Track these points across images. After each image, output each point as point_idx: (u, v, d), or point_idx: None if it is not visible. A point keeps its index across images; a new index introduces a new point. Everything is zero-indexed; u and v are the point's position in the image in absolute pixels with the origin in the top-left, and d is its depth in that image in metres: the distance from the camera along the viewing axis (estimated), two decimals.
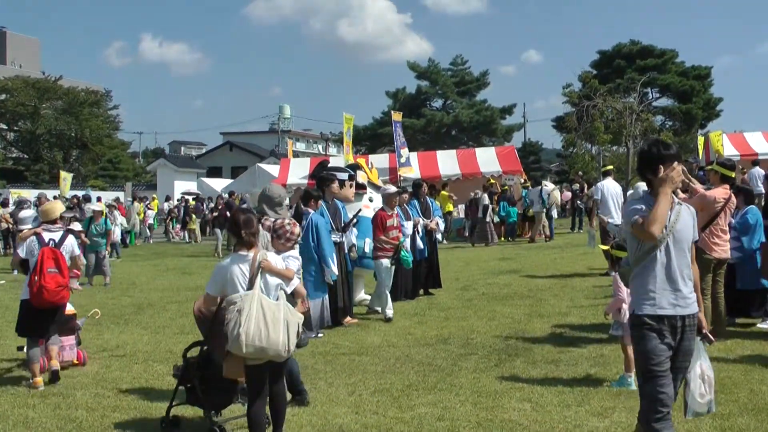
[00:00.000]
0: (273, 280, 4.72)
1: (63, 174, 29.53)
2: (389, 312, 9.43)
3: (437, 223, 11.77)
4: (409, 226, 11.07)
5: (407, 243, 10.95)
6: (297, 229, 5.62)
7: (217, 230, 21.46)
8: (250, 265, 4.64)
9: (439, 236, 12.02)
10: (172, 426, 5.38)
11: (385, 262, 9.52)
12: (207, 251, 22.96)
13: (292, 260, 4.98)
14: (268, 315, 4.49)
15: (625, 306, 6.09)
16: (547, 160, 66.79)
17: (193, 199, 31.68)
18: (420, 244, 11.34)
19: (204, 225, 28.41)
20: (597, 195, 12.51)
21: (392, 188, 10.05)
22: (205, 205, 29.79)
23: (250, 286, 4.60)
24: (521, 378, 6.43)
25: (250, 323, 4.46)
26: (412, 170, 24.06)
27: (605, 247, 7.33)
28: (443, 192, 22.90)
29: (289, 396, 5.33)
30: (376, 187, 10.95)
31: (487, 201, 20.76)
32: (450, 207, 22.76)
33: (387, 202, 9.83)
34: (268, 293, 4.68)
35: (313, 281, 8.58)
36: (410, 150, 28.55)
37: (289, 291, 4.87)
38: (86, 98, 53.38)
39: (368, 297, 10.76)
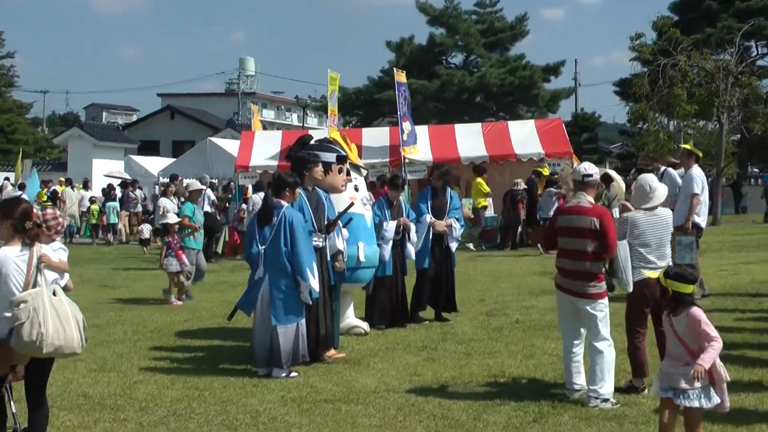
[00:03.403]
0: (50, 275, 5.77)
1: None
2: (609, 396, 7.46)
3: (451, 226, 11.83)
4: (390, 228, 11.07)
5: (385, 251, 10.93)
6: (65, 222, 6.46)
7: None
8: (28, 260, 5.63)
9: (453, 244, 11.98)
10: None
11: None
12: (136, 255, 22.99)
13: (62, 252, 5.97)
14: (60, 312, 5.64)
15: (719, 364, 5.77)
16: (606, 138, 66.83)
17: (119, 184, 31.73)
18: (411, 251, 11.41)
19: (133, 220, 28.45)
20: (695, 188, 12.57)
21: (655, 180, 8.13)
22: (136, 194, 29.78)
23: (32, 282, 5.60)
24: None
25: (48, 321, 5.53)
26: (417, 150, 24.06)
27: (654, 275, 6.76)
28: (479, 179, 22.86)
29: None
30: (357, 169, 10.95)
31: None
32: (483, 201, 22.80)
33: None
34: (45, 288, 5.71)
35: (284, 300, 8.60)
36: (419, 122, 28.58)
37: (62, 285, 5.91)
38: None
39: (360, 323, 10.79)
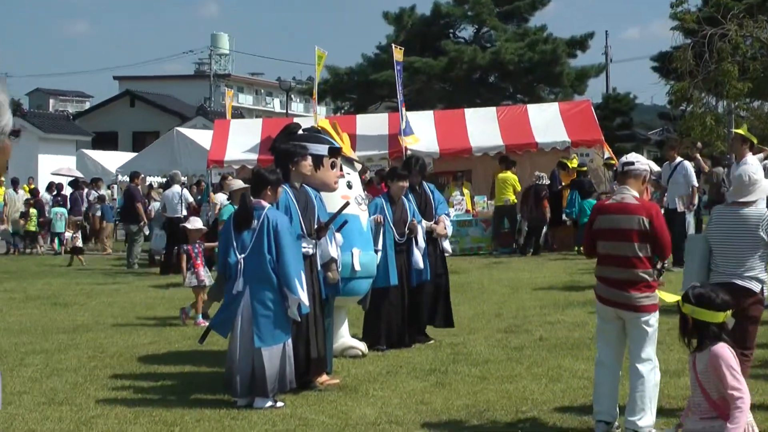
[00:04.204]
0: None
1: None
2: (649, 429, 7.42)
3: (445, 226, 11.93)
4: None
5: (376, 258, 10.91)
6: None
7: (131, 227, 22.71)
8: None
9: (447, 245, 12.08)
10: None
11: None
12: (89, 266, 23.02)
13: None
14: None
15: (749, 421, 5.39)
16: (643, 123, 66.88)
17: (69, 183, 31.80)
18: (418, 259, 11.45)
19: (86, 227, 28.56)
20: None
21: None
22: (90, 195, 29.85)
23: None
24: None
25: None
26: (417, 140, 24.15)
27: (672, 299, 6.19)
28: (507, 173, 22.89)
29: None
30: (350, 162, 10.96)
31: None
32: (513, 197, 22.85)
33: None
34: None
35: (268, 317, 8.59)
36: (423, 107, 28.63)
37: None
38: None
39: (356, 343, 10.80)
